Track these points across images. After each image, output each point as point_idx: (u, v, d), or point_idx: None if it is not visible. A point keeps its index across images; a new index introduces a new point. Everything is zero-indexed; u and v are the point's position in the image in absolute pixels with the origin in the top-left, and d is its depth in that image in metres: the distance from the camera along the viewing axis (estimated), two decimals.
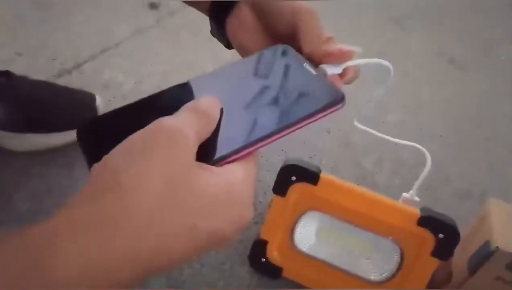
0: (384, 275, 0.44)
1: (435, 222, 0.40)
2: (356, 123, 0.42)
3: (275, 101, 0.25)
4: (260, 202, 0.55)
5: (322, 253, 0.46)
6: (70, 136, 0.55)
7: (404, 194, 0.44)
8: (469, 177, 0.65)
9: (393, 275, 0.44)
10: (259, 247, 0.46)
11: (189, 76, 0.26)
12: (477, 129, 0.76)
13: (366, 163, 0.63)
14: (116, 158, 0.21)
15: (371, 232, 0.43)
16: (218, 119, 0.23)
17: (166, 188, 0.20)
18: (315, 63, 0.29)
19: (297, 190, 0.43)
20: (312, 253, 0.46)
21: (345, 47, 0.29)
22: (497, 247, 0.39)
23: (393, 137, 0.41)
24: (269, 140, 0.23)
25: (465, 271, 0.42)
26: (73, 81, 0.67)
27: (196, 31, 0.81)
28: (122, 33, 0.81)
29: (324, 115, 0.24)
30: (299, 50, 0.30)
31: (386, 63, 0.30)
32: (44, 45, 0.74)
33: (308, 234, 0.46)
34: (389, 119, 0.73)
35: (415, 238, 0.41)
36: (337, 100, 0.25)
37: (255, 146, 0.23)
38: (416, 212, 0.41)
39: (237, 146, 0.22)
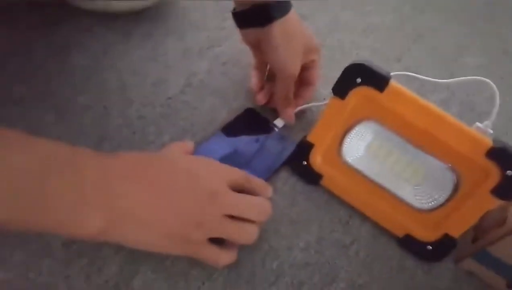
0: (430, 204, 0.41)
1: (507, 156, 0.36)
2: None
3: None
4: None
5: (368, 169, 0.43)
6: (135, 3, 0.55)
7: (477, 124, 0.39)
8: None
9: (441, 205, 0.41)
10: (303, 148, 0.44)
11: None
12: None
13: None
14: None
15: (429, 155, 0.39)
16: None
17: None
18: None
19: (360, 94, 0.39)
20: (357, 166, 0.43)
21: (286, 114, 0.48)
22: None
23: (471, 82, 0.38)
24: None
25: None
26: None
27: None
28: None
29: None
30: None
31: None
32: None
33: (358, 145, 0.43)
34: (467, 62, 0.65)
35: (478, 170, 0.37)
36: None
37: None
38: (488, 141, 0.36)
39: None
